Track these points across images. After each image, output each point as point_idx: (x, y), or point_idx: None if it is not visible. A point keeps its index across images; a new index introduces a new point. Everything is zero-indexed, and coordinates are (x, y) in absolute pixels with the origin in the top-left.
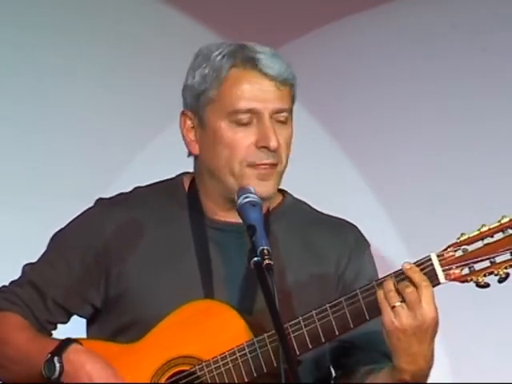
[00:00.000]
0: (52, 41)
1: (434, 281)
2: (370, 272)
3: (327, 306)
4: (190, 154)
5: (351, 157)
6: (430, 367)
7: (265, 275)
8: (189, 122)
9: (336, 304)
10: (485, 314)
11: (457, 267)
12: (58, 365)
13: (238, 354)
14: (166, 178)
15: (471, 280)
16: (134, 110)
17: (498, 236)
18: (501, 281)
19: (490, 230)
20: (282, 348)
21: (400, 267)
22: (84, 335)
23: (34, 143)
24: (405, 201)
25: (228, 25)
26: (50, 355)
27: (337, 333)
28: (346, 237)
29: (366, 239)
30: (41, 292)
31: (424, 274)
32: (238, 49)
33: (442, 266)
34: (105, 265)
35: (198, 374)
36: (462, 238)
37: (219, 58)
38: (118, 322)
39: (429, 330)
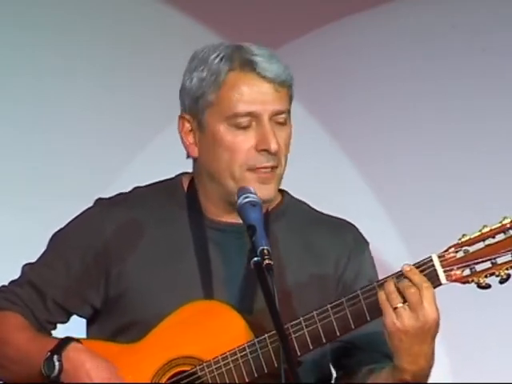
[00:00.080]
0: (52, 41)
1: (435, 282)
2: (369, 272)
3: (328, 306)
4: (188, 156)
5: (351, 157)
6: (430, 366)
7: (265, 275)
8: (187, 125)
9: (337, 305)
10: (486, 315)
11: (458, 268)
12: (57, 363)
13: (238, 355)
14: (165, 178)
15: (472, 281)
16: (134, 110)
17: (500, 237)
18: (502, 282)
19: (491, 230)
20: (282, 348)
21: (400, 268)
22: (84, 335)
23: (34, 143)
24: (405, 201)
25: (228, 25)
26: (49, 353)
27: (338, 333)
28: (345, 237)
29: (365, 239)
30: (40, 292)
31: (425, 274)
32: (235, 51)
33: (443, 266)
34: (104, 265)
35: (199, 374)
36: (463, 239)
37: (217, 60)
38: (118, 323)
39: (430, 331)
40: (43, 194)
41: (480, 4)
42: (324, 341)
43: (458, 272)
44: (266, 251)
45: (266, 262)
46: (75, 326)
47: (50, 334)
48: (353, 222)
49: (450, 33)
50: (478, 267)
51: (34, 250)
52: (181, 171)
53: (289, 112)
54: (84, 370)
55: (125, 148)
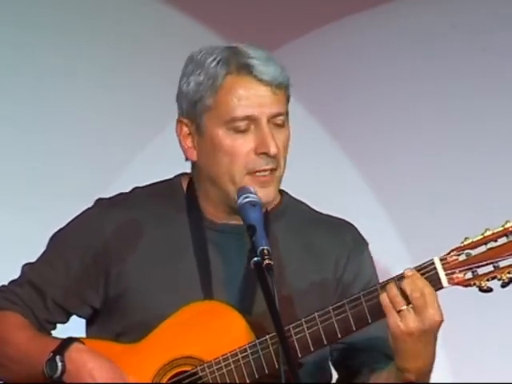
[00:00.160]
0: (52, 41)
1: (437, 285)
2: (368, 272)
3: (330, 308)
4: (187, 159)
5: (351, 157)
6: (432, 363)
7: (265, 275)
8: (185, 129)
9: (338, 307)
10: (485, 316)
11: (460, 271)
12: (59, 364)
13: (239, 355)
14: (164, 179)
15: (474, 284)
16: (134, 110)
17: (502, 240)
18: (504, 285)
19: (493, 234)
20: (282, 348)
21: (400, 267)
22: (83, 336)
23: (34, 143)
24: (405, 201)
25: (228, 25)
26: (51, 354)
27: (339, 335)
28: (345, 237)
29: (364, 239)
30: (40, 292)
31: (427, 277)
32: (231, 54)
33: (445, 269)
34: (104, 265)
35: (200, 374)
36: (465, 242)
37: (213, 64)
38: (118, 323)
39: (434, 332)
40: (43, 194)
41: (480, 4)
42: (325, 342)
43: (460, 275)
44: (266, 251)
45: (266, 261)
46: (75, 327)
47: (50, 334)
48: (353, 222)
49: (450, 33)
50: (480, 271)
51: (33, 250)
52: (181, 171)
53: (287, 114)
54: (87, 370)
55: (125, 148)
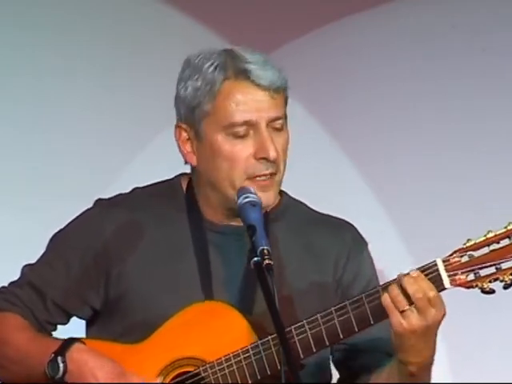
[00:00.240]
0: (52, 41)
1: (439, 286)
2: (368, 272)
3: (332, 309)
4: (186, 163)
5: (351, 157)
6: (433, 355)
7: (265, 275)
8: (184, 134)
9: (341, 308)
10: (486, 316)
11: (462, 273)
12: (61, 364)
13: (242, 356)
14: (163, 179)
15: (476, 286)
16: (134, 110)
17: (504, 242)
18: (506, 287)
19: (496, 236)
20: (283, 348)
21: (400, 267)
22: (83, 336)
23: (34, 143)
24: (405, 201)
25: (228, 25)
26: (53, 355)
27: (341, 336)
28: (344, 237)
29: (363, 238)
30: (40, 293)
31: (429, 279)
32: (228, 59)
33: (447, 271)
34: (105, 266)
35: (202, 375)
36: (467, 244)
37: (211, 69)
38: (119, 324)
39: (436, 326)
40: (43, 194)
41: (480, 4)
42: (327, 343)
43: (463, 277)
44: (266, 251)
45: (266, 261)
46: (75, 328)
47: (51, 335)
48: (353, 222)
49: (450, 33)
50: (483, 272)
51: (33, 250)
52: (180, 171)
53: (285, 117)
54: (88, 370)
55: (125, 148)
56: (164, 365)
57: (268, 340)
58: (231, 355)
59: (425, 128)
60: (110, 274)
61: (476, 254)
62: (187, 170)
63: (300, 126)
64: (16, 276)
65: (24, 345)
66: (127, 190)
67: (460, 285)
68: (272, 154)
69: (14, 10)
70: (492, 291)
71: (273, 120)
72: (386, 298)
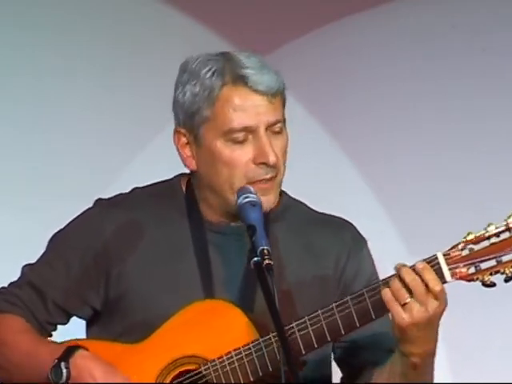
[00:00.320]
0: (52, 41)
1: (441, 279)
2: (368, 269)
3: (333, 305)
4: (186, 166)
5: (351, 157)
6: (435, 346)
7: (265, 275)
8: (183, 139)
9: (342, 303)
10: (486, 316)
11: (463, 266)
12: (64, 370)
13: (243, 354)
14: (163, 180)
15: (477, 279)
16: (134, 110)
17: (505, 235)
18: (507, 280)
19: (496, 229)
20: (283, 348)
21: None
22: (84, 336)
23: (34, 143)
24: (405, 201)
25: (228, 25)
26: (56, 361)
27: (343, 332)
28: (344, 236)
29: (362, 236)
30: (40, 293)
31: None
32: (226, 64)
33: (448, 264)
34: (105, 266)
35: (204, 373)
36: (468, 237)
37: (209, 75)
38: (119, 324)
39: (437, 317)
40: (43, 194)
41: (480, 4)
42: (329, 339)
43: (463, 270)
44: (266, 251)
45: (266, 261)
46: (75, 328)
47: (51, 335)
48: (353, 222)
49: (450, 33)
50: (483, 265)
51: (34, 250)
52: (180, 171)
53: (284, 120)
54: (90, 376)
55: (125, 148)
56: (165, 364)
57: (270, 337)
58: (233, 353)
59: (425, 128)
60: (110, 274)
61: (476, 247)
62: (187, 170)
63: (300, 126)
64: (16, 276)
65: (25, 348)
66: (127, 190)
67: (461, 278)
68: (272, 160)
69: (14, 10)
70: (493, 284)
71: (272, 124)
72: (386, 293)
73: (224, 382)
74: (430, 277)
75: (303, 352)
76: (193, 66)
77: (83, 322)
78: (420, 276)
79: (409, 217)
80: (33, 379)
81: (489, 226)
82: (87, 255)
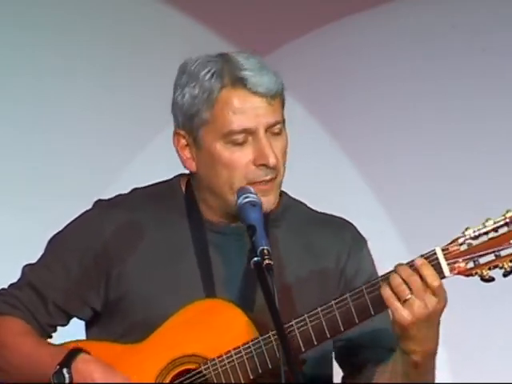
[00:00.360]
0: (52, 41)
1: (439, 274)
2: (369, 268)
3: (332, 302)
4: (186, 168)
5: (351, 157)
6: (437, 345)
7: (265, 275)
8: (183, 141)
9: (341, 300)
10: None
11: (462, 261)
12: (67, 375)
13: (243, 351)
14: (162, 180)
15: (476, 273)
16: (134, 110)
17: (503, 230)
18: (506, 274)
19: (494, 223)
20: (283, 348)
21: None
22: (83, 337)
23: (34, 143)
24: (405, 201)
25: (228, 25)
26: (58, 366)
27: (342, 328)
28: (344, 235)
29: (362, 236)
30: (41, 295)
31: None
32: (225, 66)
33: (446, 259)
34: (105, 266)
35: (204, 372)
36: (466, 232)
37: (208, 77)
38: (119, 325)
39: (437, 315)
40: (43, 194)
41: (480, 4)
42: (328, 336)
43: (462, 265)
44: (266, 251)
45: (266, 261)
46: (74, 329)
47: (51, 337)
48: (353, 222)
49: (450, 33)
50: (482, 260)
51: (33, 251)
52: (181, 171)
53: (283, 121)
54: (91, 378)
55: (125, 148)
56: (165, 363)
57: (269, 335)
58: (232, 352)
59: (425, 128)
60: (110, 275)
61: (475, 242)
62: (186, 170)
63: (300, 126)
64: (16, 276)
65: (26, 350)
66: (127, 190)
67: (459, 273)
68: (272, 161)
69: (14, 10)
70: (492, 279)
71: (271, 126)
72: (386, 291)
73: (224, 381)
74: (428, 272)
75: (303, 349)
76: (192, 67)
77: (83, 323)
78: (418, 272)
79: (409, 217)
80: (33, 381)
81: (487, 220)
82: (87, 256)
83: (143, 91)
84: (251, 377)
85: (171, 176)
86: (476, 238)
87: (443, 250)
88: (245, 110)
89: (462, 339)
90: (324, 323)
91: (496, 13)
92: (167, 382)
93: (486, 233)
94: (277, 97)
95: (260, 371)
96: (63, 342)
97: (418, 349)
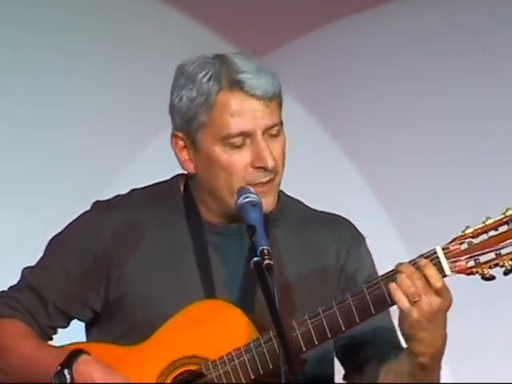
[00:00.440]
0: (52, 41)
1: (440, 273)
2: (368, 265)
3: (333, 303)
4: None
5: (351, 157)
6: (444, 346)
7: (265, 275)
8: (181, 143)
9: (342, 300)
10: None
11: (462, 260)
12: (68, 376)
13: (243, 352)
14: (161, 180)
15: (477, 272)
16: (134, 110)
17: (503, 228)
18: (506, 273)
19: (494, 222)
20: (283, 348)
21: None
22: (83, 339)
23: (34, 143)
24: (405, 201)
25: (228, 25)
26: (59, 367)
27: (343, 328)
28: (342, 233)
29: (361, 233)
30: (41, 297)
31: None
32: (222, 68)
33: (447, 258)
34: (105, 267)
35: (205, 373)
36: (466, 231)
37: (205, 80)
38: (120, 326)
39: (444, 313)
40: (43, 194)
41: (480, 4)
42: (329, 335)
43: (463, 263)
44: (266, 251)
45: (266, 261)
46: (75, 330)
47: (51, 339)
48: (353, 222)
49: (450, 33)
50: (482, 258)
51: (33, 251)
52: (180, 172)
53: (281, 122)
54: (91, 379)
55: (125, 148)
56: (166, 364)
57: (270, 335)
58: (233, 352)
59: (425, 128)
60: (110, 276)
61: (475, 240)
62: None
63: (300, 126)
64: (16, 277)
65: (26, 352)
66: (127, 191)
67: (460, 271)
68: (270, 164)
69: (14, 10)
70: (492, 277)
71: (269, 128)
72: (393, 287)
73: (225, 382)
74: (431, 273)
75: (304, 349)
76: (189, 69)
77: (83, 324)
78: (421, 272)
79: (409, 217)
80: (33, 382)
81: (487, 219)
82: (87, 257)
83: (143, 91)
84: (252, 377)
85: (171, 176)
86: (476, 236)
87: (444, 249)
88: (242, 112)
89: (463, 338)
90: (325, 323)
91: (496, 13)
92: (168, 383)
93: (487, 231)
94: (274, 99)
95: (261, 372)
96: (63, 343)
97: (425, 350)
